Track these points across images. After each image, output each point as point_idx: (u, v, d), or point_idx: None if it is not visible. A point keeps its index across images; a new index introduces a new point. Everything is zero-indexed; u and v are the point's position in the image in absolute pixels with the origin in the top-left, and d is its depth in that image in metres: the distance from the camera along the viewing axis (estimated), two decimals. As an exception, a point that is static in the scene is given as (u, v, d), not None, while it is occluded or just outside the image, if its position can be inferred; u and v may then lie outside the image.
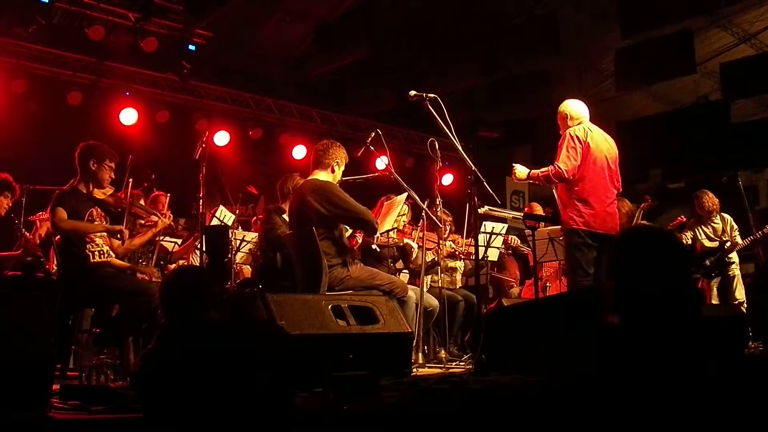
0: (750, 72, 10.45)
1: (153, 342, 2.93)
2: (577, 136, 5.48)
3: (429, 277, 7.10)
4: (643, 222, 7.67)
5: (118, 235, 5.12)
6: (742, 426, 2.58)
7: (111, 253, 5.15)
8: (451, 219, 7.65)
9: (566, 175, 5.43)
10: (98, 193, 5.16)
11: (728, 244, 7.72)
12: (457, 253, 7.43)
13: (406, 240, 6.64)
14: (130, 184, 5.39)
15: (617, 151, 5.76)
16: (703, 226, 7.95)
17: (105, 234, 5.18)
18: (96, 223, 5.12)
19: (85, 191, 5.13)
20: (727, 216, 7.92)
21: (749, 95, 11.59)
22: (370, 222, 5.17)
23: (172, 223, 5.73)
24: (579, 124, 5.65)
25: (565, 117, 5.73)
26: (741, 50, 11.14)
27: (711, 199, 7.86)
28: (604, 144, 5.63)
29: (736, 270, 7.76)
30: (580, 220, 5.42)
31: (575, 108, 5.76)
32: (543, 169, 5.58)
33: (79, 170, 5.19)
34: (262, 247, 6.45)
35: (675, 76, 10.55)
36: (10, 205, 5.83)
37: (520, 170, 5.74)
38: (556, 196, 5.89)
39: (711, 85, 11.82)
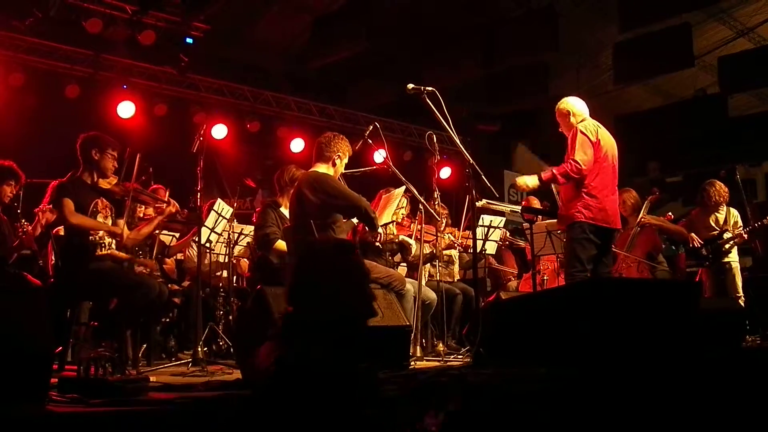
0: (748, 66, 10.45)
1: (276, 328, 2.73)
2: (590, 131, 5.51)
3: (427, 266, 7.10)
4: (648, 215, 7.64)
5: (116, 236, 5.09)
6: (740, 418, 2.59)
7: (113, 245, 5.14)
8: (447, 212, 7.66)
9: (584, 169, 5.42)
10: (103, 183, 5.15)
11: (726, 234, 7.69)
12: (455, 244, 7.43)
13: (402, 237, 6.62)
14: (134, 175, 5.38)
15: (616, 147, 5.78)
16: (704, 217, 7.93)
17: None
18: (100, 216, 5.10)
19: (89, 182, 5.12)
20: (733, 210, 7.87)
21: (747, 89, 11.58)
22: (366, 211, 5.15)
23: (178, 209, 5.71)
24: (582, 120, 5.66)
25: (567, 114, 5.72)
26: (739, 44, 11.13)
27: (720, 189, 7.83)
28: (610, 141, 5.66)
29: (734, 263, 7.73)
30: (588, 213, 5.42)
31: (577, 105, 5.77)
32: (556, 168, 5.51)
33: (82, 161, 5.17)
34: (254, 243, 6.47)
35: (673, 69, 10.53)
36: (14, 192, 5.80)
37: (529, 181, 5.60)
38: (555, 191, 5.89)
39: (709, 79, 11.81)
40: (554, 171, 5.52)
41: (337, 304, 2.62)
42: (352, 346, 2.52)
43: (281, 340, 2.64)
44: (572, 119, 5.68)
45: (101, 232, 5.09)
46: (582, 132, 5.51)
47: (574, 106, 5.76)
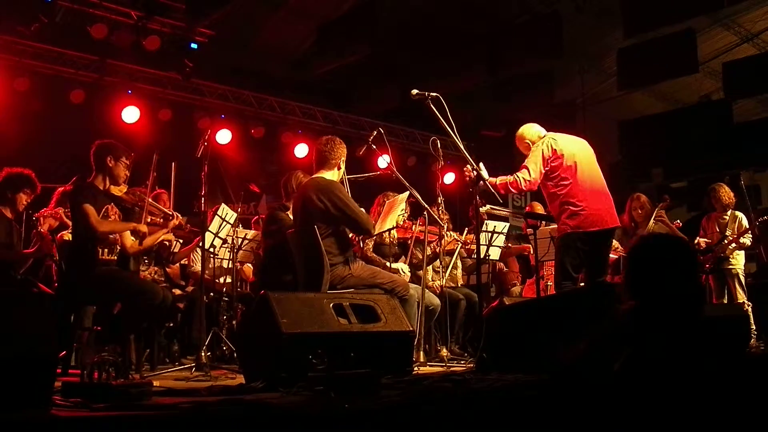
0: (752, 71, 10.45)
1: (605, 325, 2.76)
2: (546, 147, 5.49)
3: (430, 270, 7.10)
4: (661, 221, 7.60)
5: (141, 232, 5.15)
6: (743, 426, 2.58)
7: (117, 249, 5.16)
8: (447, 217, 7.65)
9: (522, 186, 5.41)
10: (115, 190, 5.19)
11: (726, 240, 7.66)
12: (459, 244, 7.41)
13: (394, 265, 6.57)
14: (152, 178, 5.42)
15: (592, 150, 5.73)
16: (711, 223, 7.91)
17: (119, 234, 5.21)
18: (115, 219, 5.14)
19: (101, 187, 5.15)
20: (739, 214, 7.83)
21: (751, 95, 11.59)
22: (368, 229, 5.20)
23: (181, 222, 5.75)
24: (541, 138, 5.64)
25: (528, 145, 5.71)
26: (743, 50, 11.14)
27: (726, 193, 7.81)
28: (575, 147, 5.60)
29: (739, 269, 7.70)
30: (572, 223, 5.40)
31: (533, 131, 5.75)
32: (501, 178, 5.48)
33: (95, 167, 5.20)
34: (264, 246, 6.46)
35: (677, 75, 10.54)
36: (29, 201, 5.86)
37: (484, 170, 5.42)
38: None
39: (713, 85, 11.82)
40: (496, 181, 5.45)
41: (681, 296, 2.71)
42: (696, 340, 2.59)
43: (626, 336, 2.68)
44: (532, 146, 5.66)
45: (111, 239, 5.12)
46: (534, 153, 5.52)
47: (532, 132, 5.73)
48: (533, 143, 5.66)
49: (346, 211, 5.04)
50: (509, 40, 10.35)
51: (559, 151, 5.47)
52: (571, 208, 5.41)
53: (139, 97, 9.24)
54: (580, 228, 5.38)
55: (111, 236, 5.12)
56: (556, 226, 6.69)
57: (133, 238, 5.22)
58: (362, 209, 5.28)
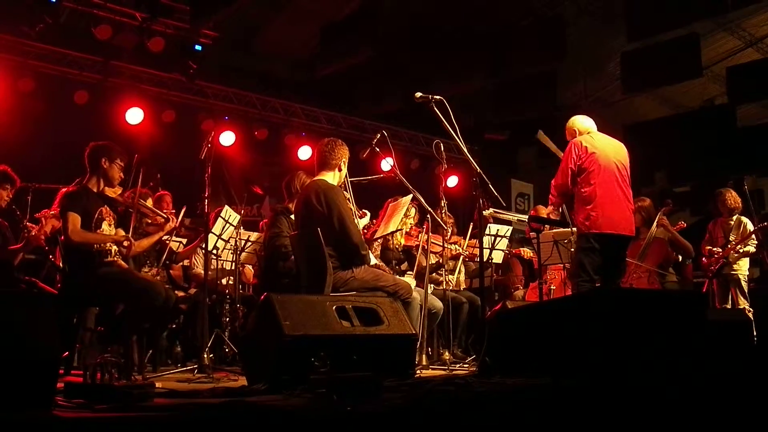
0: (756, 76, 10.42)
1: None
2: (571, 148, 5.62)
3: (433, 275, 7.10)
4: (663, 225, 7.58)
5: (125, 244, 5.13)
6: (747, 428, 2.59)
7: (118, 253, 5.16)
8: (452, 221, 7.64)
9: (553, 199, 5.76)
10: (109, 192, 5.19)
11: (730, 245, 7.64)
12: (462, 255, 7.41)
13: (402, 278, 6.56)
14: (140, 179, 5.42)
15: (627, 156, 5.77)
16: (716, 228, 7.90)
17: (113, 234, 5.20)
18: (104, 230, 5.11)
19: (95, 189, 5.16)
20: (745, 219, 7.80)
21: (755, 99, 11.54)
22: (358, 251, 5.09)
23: (176, 225, 5.74)
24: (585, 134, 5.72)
25: (573, 132, 5.85)
26: (747, 54, 11.12)
27: (733, 198, 7.80)
28: (610, 149, 5.65)
29: (742, 274, 7.68)
30: (589, 224, 5.44)
31: (580, 124, 5.89)
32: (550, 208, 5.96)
33: (89, 168, 5.21)
34: (267, 250, 6.43)
35: (681, 79, 10.51)
36: (11, 196, 5.85)
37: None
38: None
39: (717, 89, 11.80)
40: (552, 207, 5.93)
41: None
42: None
43: None
44: (569, 135, 5.78)
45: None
46: (567, 150, 5.68)
47: (578, 124, 5.89)
48: (579, 134, 5.79)
49: (343, 228, 5.02)
50: (512, 43, 10.35)
51: (591, 150, 5.54)
52: (588, 209, 5.46)
53: (142, 98, 9.25)
54: (593, 229, 5.42)
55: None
56: (560, 230, 6.73)
57: (116, 247, 5.19)
58: (358, 227, 5.23)
